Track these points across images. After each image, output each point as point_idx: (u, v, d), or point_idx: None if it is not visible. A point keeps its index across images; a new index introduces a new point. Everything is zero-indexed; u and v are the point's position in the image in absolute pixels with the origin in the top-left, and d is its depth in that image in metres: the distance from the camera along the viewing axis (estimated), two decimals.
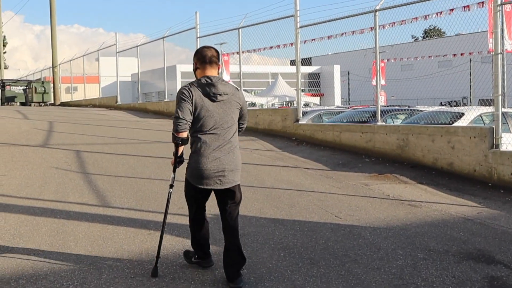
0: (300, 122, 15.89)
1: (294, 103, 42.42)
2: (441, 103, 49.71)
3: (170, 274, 5.41)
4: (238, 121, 5.33)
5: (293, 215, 7.81)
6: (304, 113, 16.91)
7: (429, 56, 40.30)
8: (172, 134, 5.13)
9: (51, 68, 39.30)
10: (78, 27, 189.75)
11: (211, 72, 5.23)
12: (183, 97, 5.06)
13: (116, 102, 30.54)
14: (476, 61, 46.14)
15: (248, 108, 20.93)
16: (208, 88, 5.08)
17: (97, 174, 10.48)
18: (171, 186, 5.42)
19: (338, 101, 54.07)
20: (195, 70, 5.33)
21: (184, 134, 5.11)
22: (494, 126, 10.22)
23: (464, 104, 49.74)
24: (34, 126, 17.57)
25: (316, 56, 47.48)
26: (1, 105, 40.95)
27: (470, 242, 6.64)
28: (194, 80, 5.26)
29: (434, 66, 56.46)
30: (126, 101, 32.59)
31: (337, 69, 58.65)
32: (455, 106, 43.27)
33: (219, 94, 5.10)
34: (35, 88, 40.09)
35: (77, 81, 40.08)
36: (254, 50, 19.74)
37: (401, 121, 16.11)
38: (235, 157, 5.20)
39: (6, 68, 77.90)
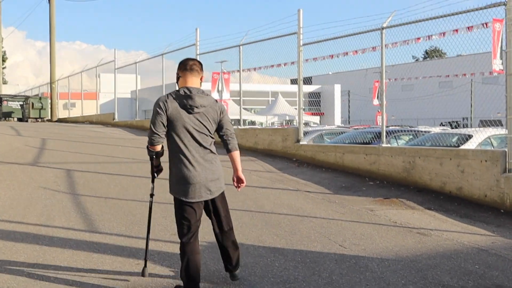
0: (301, 143, 15.36)
1: (294, 122, 42.21)
2: (441, 123, 49.47)
3: None
4: (220, 132, 5.34)
5: (294, 243, 7.25)
6: (305, 133, 16.38)
7: (430, 77, 40.04)
8: (147, 147, 5.22)
9: (49, 84, 38.84)
10: (80, 43, 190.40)
11: (192, 80, 5.23)
12: (158, 110, 5.07)
13: (114, 119, 30.04)
14: (476, 81, 45.96)
15: (248, 127, 20.68)
16: (185, 100, 5.08)
17: (86, 195, 9.93)
18: (151, 195, 5.66)
19: (338, 121, 53.94)
20: (177, 80, 5.32)
21: (158, 148, 5.19)
22: (507, 150, 9.68)
23: (465, 125, 49.38)
24: (26, 143, 17.05)
25: (317, 75, 47.20)
26: None
27: (487, 276, 6.07)
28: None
29: (435, 87, 56.19)
30: (124, 118, 32.07)
31: (337, 88, 58.50)
32: (455, 126, 42.97)
33: (196, 107, 5.09)
34: (32, 104, 39.65)
35: (75, 97, 39.57)
36: (255, 69, 19.24)
37: (405, 142, 15.59)
38: (217, 165, 5.26)
39: (5, 83, 77.67)
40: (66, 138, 19.38)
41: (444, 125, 43.45)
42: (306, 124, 27.57)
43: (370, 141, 14.64)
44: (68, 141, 18.27)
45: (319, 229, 7.99)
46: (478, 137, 12.52)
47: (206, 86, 23.16)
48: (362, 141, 14.56)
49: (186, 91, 5.11)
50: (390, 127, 22.83)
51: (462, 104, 50.73)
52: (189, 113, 5.07)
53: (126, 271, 5.97)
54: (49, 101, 39.39)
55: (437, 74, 40.86)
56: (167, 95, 5.16)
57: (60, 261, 6.27)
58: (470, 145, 12.28)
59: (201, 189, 5.12)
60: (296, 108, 15.94)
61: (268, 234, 7.66)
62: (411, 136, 16.14)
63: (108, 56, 29.27)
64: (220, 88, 25.25)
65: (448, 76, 38.62)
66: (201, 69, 5.31)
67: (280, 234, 7.70)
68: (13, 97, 43.73)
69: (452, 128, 37.37)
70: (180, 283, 5.29)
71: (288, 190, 11.15)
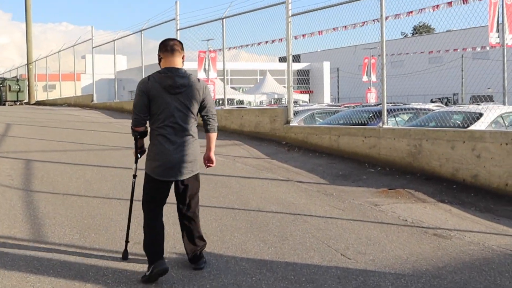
0: (291, 124, 13.90)
1: (283, 100, 40.81)
2: (432, 99, 48.59)
3: None
4: (202, 113, 5.35)
5: (286, 253, 5.84)
6: (295, 113, 14.89)
7: (421, 52, 38.94)
8: (131, 128, 5.31)
9: (26, 65, 37.06)
10: (67, 25, 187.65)
11: (174, 61, 5.25)
12: (139, 92, 5.13)
13: (92, 101, 28.39)
14: (467, 57, 44.99)
15: (233, 107, 19.25)
16: (166, 81, 5.10)
17: (42, 192, 8.47)
18: (134, 176, 5.61)
19: (327, 98, 52.74)
20: (159, 61, 5.32)
21: (141, 128, 5.26)
22: None
23: (456, 101, 48.35)
24: None
25: (305, 53, 45.80)
26: None
27: None
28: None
29: (425, 63, 54.89)
30: (104, 99, 30.41)
31: (326, 65, 57.12)
32: (446, 103, 41.78)
33: (177, 87, 5.11)
34: (9, 86, 37.77)
35: (56, 78, 37.73)
36: (242, 46, 18.03)
37: (403, 122, 14.17)
38: (194, 148, 5.25)
39: None
40: (34, 123, 17.79)
41: (435, 102, 42.42)
42: (296, 102, 26.16)
43: (367, 122, 13.21)
44: (36, 127, 16.70)
45: (315, 232, 6.58)
46: (489, 115, 11.12)
47: (192, 65, 21.69)
48: (358, 122, 13.14)
49: (168, 71, 5.14)
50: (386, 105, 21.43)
51: (453, 80, 49.67)
52: (171, 93, 5.10)
53: None
54: (27, 83, 37.58)
55: (427, 49, 39.90)
56: (149, 76, 5.20)
57: None
58: (480, 124, 10.89)
59: (172, 168, 5.14)
60: (285, 86, 14.49)
61: (254, 241, 6.25)
62: (410, 115, 14.72)
63: (95, 37, 27.35)
64: (206, 67, 23.91)
65: (439, 51, 37.71)
66: (182, 48, 5.33)
67: (268, 240, 6.29)
68: None
69: (445, 104, 36.24)
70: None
71: (278, 180, 9.71)
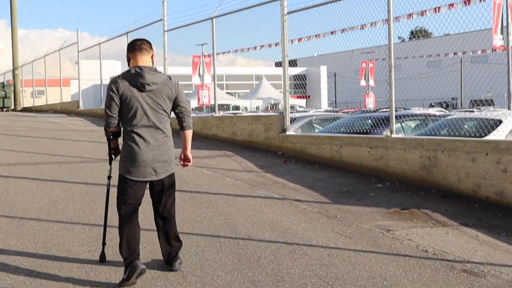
0: (287, 133, 12.60)
1: (279, 106, 39.61)
2: (430, 104, 47.97)
3: None
4: (175, 110, 5.24)
5: None
6: (292, 120, 13.59)
7: (420, 56, 38.11)
8: (104, 129, 5.19)
9: (12, 71, 35.69)
10: (63, 31, 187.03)
11: (142, 59, 5.13)
12: (110, 92, 5.04)
13: (78, 107, 27.04)
14: (466, 61, 44.37)
15: (224, 115, 17.96)
16: (136, 79, 5.00)
17: None
18: (109, 177, 5.55)
19: (325, 104, 51.76)
20: (128, 62, 5.22)
21: (114, 129, 5.13)
22: None
23: (455, 105, 47.55)
24: None
25: (302, 58, 44.76)
26: None
27: None
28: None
29: (423, 67, 53.88)
30: (90, 106, 29.07)
31: (323, 70, 56.16)
32: (445, 107, 40.75)
33: (147, 84, 5.00)
34: None
35: (44, 84, 36.26)
36: (236, 51, 17.00)
37: (411, 129, 12.92)
38: (168, 147, 5.16)
39: None
40: (8, 132, 16.43)
41: (433, 106, 41.51)
42: (292, 107, 24.97)
43: (370, 130, 11.99)
44: (9, 136, 15.37)
45: (318, 269, 5.31)
46: (510, 122, 9.89)
47: (187, 70, 20.50)
48: (360, 130, 11.90)
49: (137, 69, 5.03)
50: (385, 110, 20.26)
51: (451, 84, 48.84)
52: (141, 91, 5.00)
53: None
54: (13, 88, 36.19)
55: (425, 53, 39.42)
56: (118, 76, 5.11)
57: None
58: (500, 133, 9.68)
59: (146, 168, 5.04)
60: (281, 91, 13.26)
61: (242, 282, 4.99)
62: (418, 122, 13.46)
63: (91, 43, 26.07)
64: (201, 72, 22.98)
65: (439, 55, 37.11)
66: (151, 47, 5.24)
67: (259, 280, 5.03)
68: None
69: (445, 109, 35.16)
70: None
71: (272, 198, 8.43)
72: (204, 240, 6.22)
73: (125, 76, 5.05)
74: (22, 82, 36.22)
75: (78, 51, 25.98)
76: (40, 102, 36.01)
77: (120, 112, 5.03)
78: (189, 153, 5.33)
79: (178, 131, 5.28)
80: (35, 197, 8.20)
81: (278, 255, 5.73)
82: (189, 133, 5.27)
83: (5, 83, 40.22)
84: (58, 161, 11.29)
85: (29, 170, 10.25)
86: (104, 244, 5.49)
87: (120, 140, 5.20)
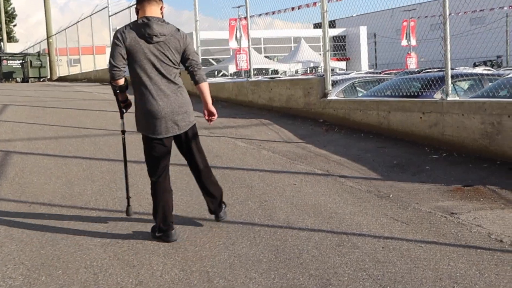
0: (329, 98, 11.56)
1: (319, 69, 38.37)
2: (474, 63, 46.14)
3: None
4: (184, 63, 5.03)
5: None
6: (333, 83, 12.48)
7: (465, 12, 36.24)
8: (110, 82, 5.00)
9: (46, 39, 35.15)
10: None
11: (151, 10, 4.88)
12: (115, 42, 4.83)
13: None
14: (511, 15, 42.44)
15: (260, 79, 16.99)
16: (143, 29, 4.80)
17: (5, 200, 6.47)
18: (123, 132, 5.38)
19: (365, 65, 50.26)
20: (137, 13, 4.94)
21: (121, 82, 4.90)
22: None
23: (499, 64, 45.73)
24: None
25: (340, 18, 43.37)
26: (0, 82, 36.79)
27: None
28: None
29: (466, 24, 51.77)
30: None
31: (363, 30, 54.58)
32: (491, 66, 38.96)
33: (155, 35, 4.81)
34: (31, 62, 36.00)
35: (83, 52, 35.53)
36: (274, 13, 16.32)
37: (463, 91, 11.72)
38: (184, 98, 5.00)
39: (16, 41, 74.50)
40: (36, 103, 15.74)
41: (477, 65, 39.68)
42: (332, 70, 23.81)
43: (419, 92, 10.85)
44: (35, 107, 14.65)
45: (372, 270, 4.36)
46: None
47: (224, 34, 19.68)
48: (408, 93, 10.78)
49: (144, 19, 4.81)
50: (430, 71, 18.91)
51: (497, 42, 46.84)
52: (149, 42, 4.81)
53: None
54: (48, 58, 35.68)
55: (469, 9, 37.52)
56: (125, 26, 4.91)
57: None
58: None
59: (168, 123, 4.88)
60: (320, 54, 12.24)
61: (280, 287, 4.09)
62: (471, 82, 12.23)
63: (110, 5, 25.27)
64: (238, 36, 22.21)
65: (483, 10, 35.25)
66: None
67: (301, 284, 4.12)
68: (13, 56, 39.95)
69: (491, 67, 33.45)
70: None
71: (314, 174, 7.48)
72: (236, 230, 5.32)
73: (133, 26, 4.84)
74: (57, 51, 35.65)
75: (109, 16, 25.16)
76: (75, 70, 35.48)
77: (126, 62, 4.83)
78: (211, 106, 5.14)
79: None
80: (51, 177, 7.42)
81: (323, 249, 4.80)
82: (204, 86, 5.07)
83: (40, 52, 39.85)
84: (81, 135, 10.50)
85: (49, 146, 9.49)
86: (128, 197, 5.43)
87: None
